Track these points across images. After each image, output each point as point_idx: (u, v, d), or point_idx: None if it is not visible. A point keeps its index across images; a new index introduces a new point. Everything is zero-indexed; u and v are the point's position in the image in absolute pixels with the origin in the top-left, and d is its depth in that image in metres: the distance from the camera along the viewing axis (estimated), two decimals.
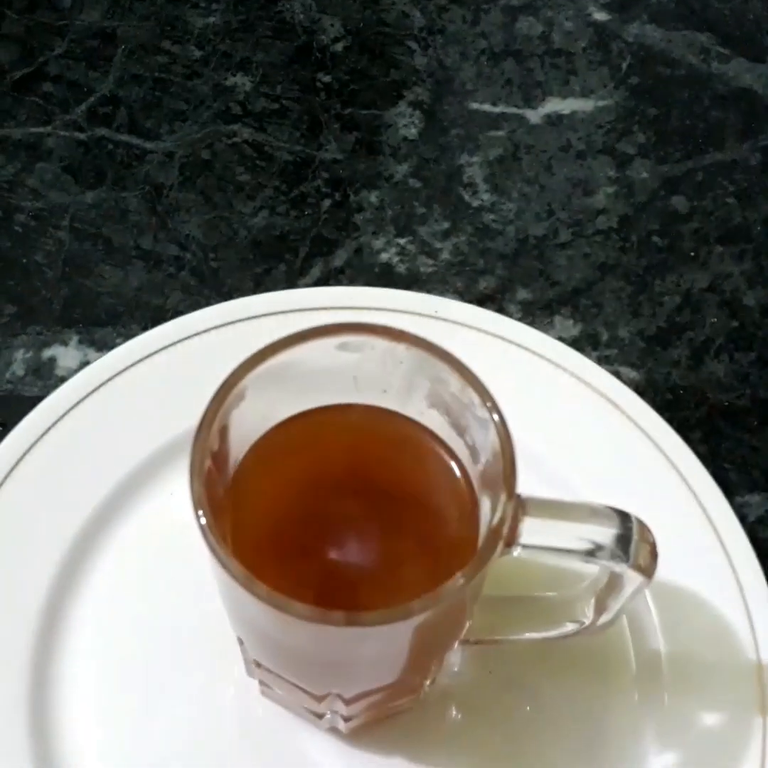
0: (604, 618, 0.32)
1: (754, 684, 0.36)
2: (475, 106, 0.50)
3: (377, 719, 0.35)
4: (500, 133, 0.49)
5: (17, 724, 0.35)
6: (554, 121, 0.50)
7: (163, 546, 0.38)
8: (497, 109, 0.50)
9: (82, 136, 0.48)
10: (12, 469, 0.39)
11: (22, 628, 0.36)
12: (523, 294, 0.45)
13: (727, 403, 0.43)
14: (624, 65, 0.52)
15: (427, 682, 0.34)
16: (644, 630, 0.37)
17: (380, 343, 0.29)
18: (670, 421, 0.40)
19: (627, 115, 0.50)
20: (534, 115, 0.50)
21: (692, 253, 0.47)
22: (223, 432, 0.28)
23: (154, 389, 0.40)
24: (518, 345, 0.41)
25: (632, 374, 0.44)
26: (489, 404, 0.28)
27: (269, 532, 0.30)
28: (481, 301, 0.44)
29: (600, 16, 0.53)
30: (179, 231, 0.46)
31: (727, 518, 0.39)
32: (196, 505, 0.26)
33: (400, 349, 0.29)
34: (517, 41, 0.52)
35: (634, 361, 0.44)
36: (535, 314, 0.45)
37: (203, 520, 0.26)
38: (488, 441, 0.28)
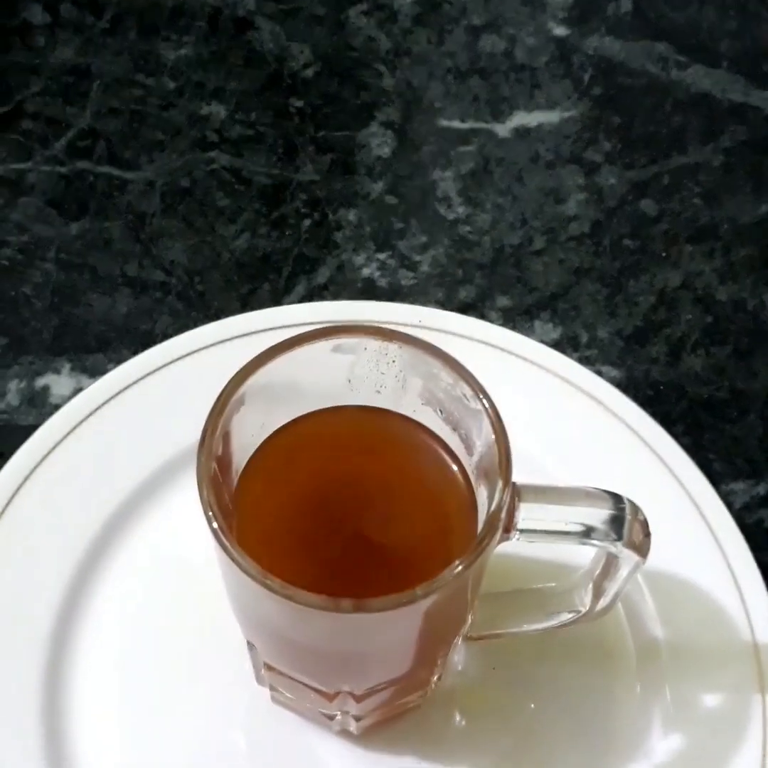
0: (602, 603, 0.33)
1: (752, 664, 0.37)
2: (444, 123, 0.51)
3: (387, 718, 0.35)
4: (471, 147, 0.51)
5: (31, 734, 0.35)
6: (522, 133, 0.51)
7: (167, 562, 0.38)
8: (466, 125, 0.51)
9: (63, 169, 0.49)
10: (12, 497, 0.39)
11: (34, 646, 0.37)
12: (502, 301, 0.46)
13: (706, 396, 0.45)
14: (586, 77, 0.53)
15: (435, 679, 0.35)
16: (641, 619, 0.38)
17: (373, 344, 0.30)
18: (653, 415, 0.41)
19: (592, 124, 0.52)
20: (502, 129, 0.51)
21: (664, 254, 0.48)
22: (226, 438, 0.29)
23: (147, 412, 0.41)
24: (502, 349, 0.42)
25: (613, 373, 0.45)
26: (481, 396, 0.29)
27: (275, 532, 0.31)
28: (463, 309, 0.46)
29: (560, 30, 0.54)
30: (164, 257, 0.47)
31: (715, 506, 0.40)
32: (207, 509, 0.27)
33: (393, 348, 0.30)
34: (482, 59, 0.53)
35: (614, 360, 0.45)
36: (515, 320, 0.46)
37: (215, 524, 0.27)
38: (482, 432, 0.29)
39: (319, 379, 0.31)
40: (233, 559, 0.26)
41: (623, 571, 0.31)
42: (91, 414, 0.41)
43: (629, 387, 0.44)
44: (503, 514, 0.28)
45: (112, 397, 0.41)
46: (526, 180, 0.50)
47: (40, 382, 0.44)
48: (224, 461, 0.29)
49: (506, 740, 0.37)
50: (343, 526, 0.31)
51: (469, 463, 0.31)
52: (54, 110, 0.50)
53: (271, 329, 0.43)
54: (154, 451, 0.40)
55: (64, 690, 0.37)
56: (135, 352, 0.43)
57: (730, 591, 0.38)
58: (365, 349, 0.30)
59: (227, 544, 0.27)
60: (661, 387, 0.45)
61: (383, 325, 0.42)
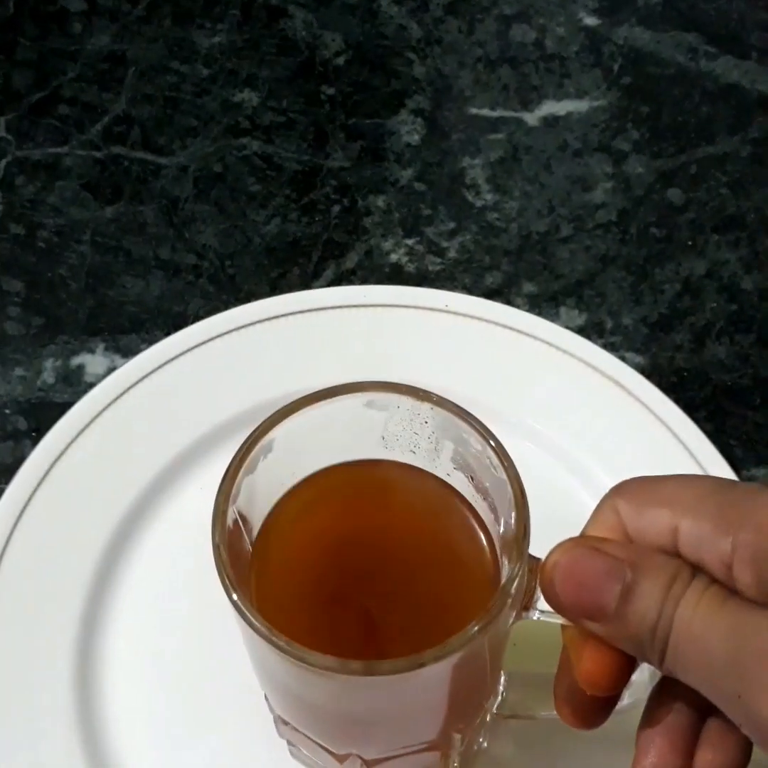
0: (628, 699, 0.30)
1: None
2: (474, 111, 0.52)
3: None
4: (500, 135, 0.51)
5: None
6: (551, 122, 0.52)
7: (194, 547, 0.39)
8: (496, 114, 0.52)
9: (98, 154, 0.50)
10: (47, 472, 0.40)
11: (65, 621, 0.38)
12: (528, 287, 0.47)
13: (729, 383, 0.45)
14: (616, 67, 0.53)
15: (454, 756, 0.33)
16: None
17: (406, 402, 0.30)
18: (676, 401, 0.42)
19: (620, 113, 0.52)
20: (531, 118, 0.52)
21: (689, 242, 0.49)
22: (250, 483, 0.29)
23: (178, 391, 0.42)
24: (527, 334, 0.43)
25: (637, 359, 0.45)
26: (506, 465, 0.28)
27: (293, 585, 0.30)
28: (489, 295, 0.46)
29: (590, 20, 0.55)
30: (196, 241, 0.48)
31: None
32: (219, 565, 0.27)
33: (425, 408, 0.30)
34: (512, 48, 0.54)
35: (638, 346, 0.46)
36: (541, 306, 0.46)
37: (226, 578, 0.27)
38: (506, 502, 0.28)
39: (352, 434, 0.31)
40: (239, 612, 0.26)
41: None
42: (124, 392, 0.42)
43: (653, 373, 0.45)
44: (514, 587, 0.27)
45: (144, 377, 0.42)
46: (554, 168, 0.50)
47: (75, 361, 0.45)
48: (247, 506, 0.29)
49: None
50: (363, 586, 0.31)
51: (496, 535, 0.30)
52: (90, 96, 0.51)
53: (299, 312, 0.44)
54: (185, 429, 0.41)
55: (93, 694, 0.37)
56: (167, 333, 0.44)
57: None
58: (398, 407, 0.30)
59: (237, 599, 0.26)
60: (685, 373, 0.45)
61: (410, 309, 0.44)
